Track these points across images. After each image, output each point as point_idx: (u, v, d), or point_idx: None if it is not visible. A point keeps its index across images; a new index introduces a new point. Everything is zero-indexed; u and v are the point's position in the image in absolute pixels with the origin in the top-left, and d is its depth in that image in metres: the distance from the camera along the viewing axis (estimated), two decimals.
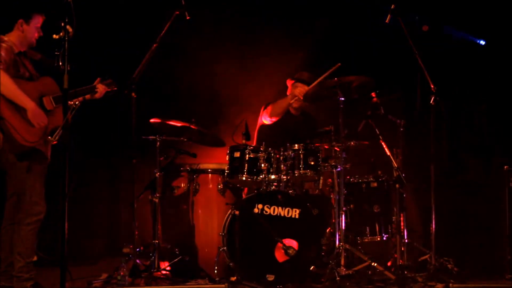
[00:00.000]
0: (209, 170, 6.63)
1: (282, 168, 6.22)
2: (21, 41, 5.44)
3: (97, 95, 5.81)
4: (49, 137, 5.23)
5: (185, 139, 6.63)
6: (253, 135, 7.07)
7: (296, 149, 6.23)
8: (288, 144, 6.28)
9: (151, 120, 6.49)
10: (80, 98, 5.63)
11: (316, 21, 7.93)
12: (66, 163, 4.40)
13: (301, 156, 6.20)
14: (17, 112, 5.24)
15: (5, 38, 5.39)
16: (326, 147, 6.53)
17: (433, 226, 5.99)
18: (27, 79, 5.42)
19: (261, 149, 6.24)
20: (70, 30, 4.48)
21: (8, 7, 5.58)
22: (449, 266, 6.18)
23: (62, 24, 4.48)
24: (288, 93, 7.17)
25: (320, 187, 6.46)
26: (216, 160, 6.94)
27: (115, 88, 5.96)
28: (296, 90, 7.05)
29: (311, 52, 7.83)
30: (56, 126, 5.38)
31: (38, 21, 5.43)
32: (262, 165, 6.18)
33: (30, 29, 5.43)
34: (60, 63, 4.49)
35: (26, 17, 5.41)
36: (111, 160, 7.84)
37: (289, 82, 7.22)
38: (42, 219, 5.40)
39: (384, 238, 6.46)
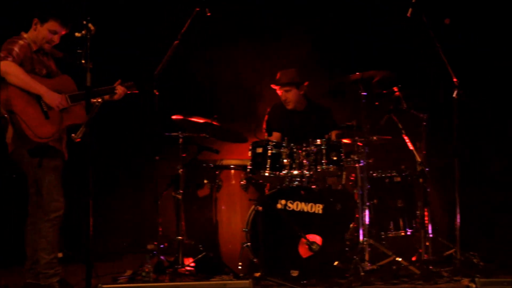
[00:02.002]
0: (232, 166, 6.61)
1: (304, 164, 6.19)
2: (34, 40, 5.47)
3: (116, 97, 5.79)
4: (73, 134, 5.19)
5: (207, 136, 6.62)
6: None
7: (318, 144, 6.19)
8: (310, 139, 6.24)
9: (173, 117, 6.49)
10: (99, 99, 5.64)
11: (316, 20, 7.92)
12: (89, 160, 4.42)
13: (324, 151, 6.16)
14: (30, 107, 5.26)
15: (25, 36, 5.45)
16: (349, 142, 6.51)
17: (458, 220, 5.94)
18: (43, 77, 5.44)
19: (284, 144, 6.20)
20: (92, 28, 4.49)
21: (31, 5, 5.60)
22: (474, 260, 6.13)
23: (84, 22, 4.49)
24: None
25: (343, 182, 6.44)
26: (238, 156, 6.90)
27: (136, 91, 5.94)
28: (282, 96, 7.02)
29: (311, 51, 7.79)
30: (72, 124, 5.41)
31: (53, 25, 5.42)
32: (285, 160, 6.16)
33: (43, 31, 5.44)
34: (83, 61, 4.50)
35: (42, 18, 5.44)
36: (134, 157, 7.86)
37: (273, 86, 7.10)
38: (62, 215, 5.42)
39: (408, 233, 6.40)
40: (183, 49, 6.29)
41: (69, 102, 5.43)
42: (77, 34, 4.55)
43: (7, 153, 5.42)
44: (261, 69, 7.80)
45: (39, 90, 5.29)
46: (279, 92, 7.07)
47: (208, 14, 6.17)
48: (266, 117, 7.18)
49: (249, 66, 7.85)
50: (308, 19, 7.91)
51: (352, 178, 6.59)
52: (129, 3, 7.70)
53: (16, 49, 5.30)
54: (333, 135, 6.80)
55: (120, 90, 5.78)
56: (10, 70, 5.20)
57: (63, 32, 5.50)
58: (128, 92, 5.89)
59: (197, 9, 6.19)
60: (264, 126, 7.08)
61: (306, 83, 7.03)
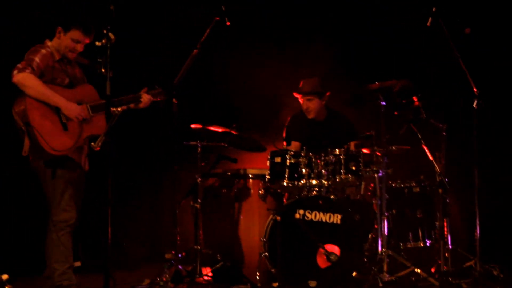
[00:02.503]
0: (250, 175, 6.61)
1: (323, 173, 6.16)
2: (58, 49, 5.45)
3: (141, 105, 5.71)
4: (92, 143, 4.99)
5: (226, 145, 6.63)
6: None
7: (337, 154, 6.17)
8: (329, 149, 6.21)
9: (192, 126, 6.51)
10: (120, 108, 5.52)
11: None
12: (109, 169, 4.41)
13: (343, 161, 6.13)
14: (48, 119, 5.22)
15: (49, 44, 5.44)
16: (367, 151, 6.47)
17: (478, 232, 5.89)
18: (65, 86, 5.42)
19: (302, 154, 6.17)
20: (113, 37, 4.48)
21: (57, 13, 5.63)
22: (494, 272, 6.06)
23: (104, 31, 4.49)
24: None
25: (362, 192, 6.42)
26: (257, 165, 6.91)
27: (164, 98, 5.86)
28: (303, 105, 7.05)
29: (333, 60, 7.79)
30: (92, 135, 5.36)
31: (75, 34, 5.37)
32: (303, 170, 6.14)
33: (66, 40, 5.41)
34: (103, 70, 4.50)
35: (65, 27, 5.40)
36: (152, 166, 7.88)
37: (296, 95, 7.12)
38: (72, 225, 5.37)
39: (428, 244, 6.37)
40: (203, 58, 6.30)
41: (90, 113, 5.39)
42: (97, 43, 4.54)
43: (28, 163, 5.41)
44: (281, 78, 7.78)
45: (58, 102, 5.25)
46: (301, 100, 7.08)
47: (228, 23, 6.17)
48: (286, 127, 7.17)
49: (268, 75, 7.82)
50: (329, 29, 7.91)
51: (370, 188, 6.56)
52: (148, 13, 7.73)
53: (36, 59, 5.28)
54: (352, 145, 6.80)
55: (145, 98, 5.70)
56: (27, 82, 5.17)
57: (87, 41, 5.45)
58: (156, 99, 5.79)
59: (217, 18, 6.19)
60: (284, 135, 7.06)
61: (328, 93, 7.03)
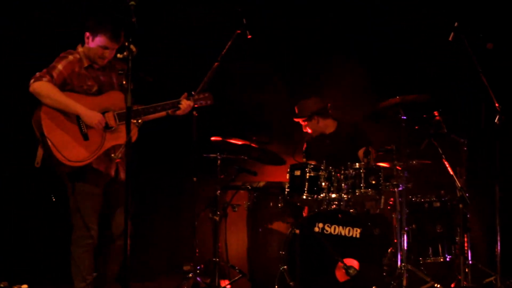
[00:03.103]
0: (270, 188, 6.61)
1: (343, 187, 6.15)
2: (88, 55, 5.27)
3: (179, 112, 5.44)
4: (112, 154, 5.06)
5: (246, 157, 6.66)
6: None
7: (357, 168, 6.15)
8: (348, 163, 6.20)
9: (212, 138, 6.56)
10: (163, 113, 5.37)
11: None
12: (128, 180, 4.37)
13: (362, 175, 6.11)
14: (66, 128, 5.06)
15: (80, 49, 5.28)
16: (387, 166, 6.45)
17: (499, 247, 5.83)
18: (92, 94, 5.22)
19: (322, 167, 6.17)
20: (134, 49, 4.42)
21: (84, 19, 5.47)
22: None
23: (126, 43, 4.44)
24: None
25: (382, 207, 6.34)
26: (276, 178, 6.93)
27: (212, 102, 5.59)
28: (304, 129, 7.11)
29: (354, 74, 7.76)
30: (117, 144, 5.16)
31: (102, 40, 5.17)
32: (323, 183, 6.13)
33: (94, 46, 5.22)
34: (124, 82, 4.46)
35: (92, 33, 5.22)
36: (172, 178, 7.86)
37: (296, 120, 7.17)
38: (91, 244, 5.16)
39: (447, 259, 6.30)
40: (223, 70, 6.31)
41: (116, 121, 5.16)
42: (119, 56, 4.46)
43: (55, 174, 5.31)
44: (302, 91, 7.69)
45: (76, 110, 5.06)
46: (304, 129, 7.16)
47: (249, 36, 6.16)
48: (304, 145, 7.17)
49: (289, 87, 7.83)
50: (350, 43, 7.88)
51: (390, 203, 6.51)
52: (169, 25, 7.75)
53: (59, 66, 5.13)
54: (360, 152, 6.68)
55: (185, 104, 5.42)
56: (43, 91, 5.03)
57: (115, 47, 5.24)
58: (201, 105, 5.53)
59: (238, 31, 6.19)
60: (303, 153, 6.99)
61: (315, 117, 6.97)
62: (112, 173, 5.26)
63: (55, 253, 6.70)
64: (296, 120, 7.12)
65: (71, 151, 5.04)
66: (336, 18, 7.86)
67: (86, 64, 5.28)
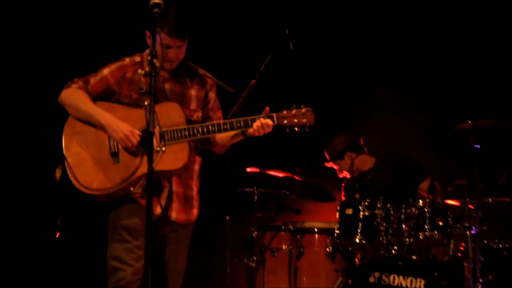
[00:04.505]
0: (316, 229, 6.50)
1: (403, 229, 6.00)
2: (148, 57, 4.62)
3: (251, 132, 4.78)
4: (132, 188, 4.41)
5: (288, 192, 6.59)
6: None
7: (421, 206, 5.98)
8: (411, 200, 6.05)
9: (248, 169, 6.43)
10: (229, 133, 4.78)
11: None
12: (149, 219, 4.21)
13: (427, 214, 5.95)
14: (91, 147, 4.63)
15: (146, 52, 4.83)
16: (458, 204, 6.24)
17: None
18: (142, 105, 4.35)
19: (379, 205, 6.03)
20: (158, 64, 4.32)
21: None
22: None
23: (149, 58, 4.36)
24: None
25: (451, 253, 6.20)
26: (324, 218, 6.86)
27: (312, 122, 4.82)
28: (339, 173, 7.10)
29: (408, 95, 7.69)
30: (159, 170, 4.42)
31: (163, 38, 4.60)
32: (380, 224, 6.00)
33: (156, 46, 4.49)
34: (146, 102, 4.33)
35: (151, 31, 4.51)
36: (201, 215, 7.79)
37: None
38: (123, 285, 4.68)
39: None
40: (261, 89, 6.17)
41: (161, 141, 4.62)
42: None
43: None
44: (349, 119, 7.67)
45: (99, 119, 4.61)
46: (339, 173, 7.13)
47: (292, 48, 6.02)
48: (342, 186, 7.15)
49: (338, 112, 7.72)
50: (402, 68, 7.83)
51: (462, 248, 6.27)
52: (202, 40, 7.73)
53: (105, 71, 4.73)
54: (425, 185, 6.62)
55: (259, 123, 4.74)
56: (66, 100, 4.68)
57: (180, 44, 4.72)
58: (293, 124, 4.82)
59: (278, 42, 6.08)
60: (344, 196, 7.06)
61: (348, 153, 6.98)
62: (158, 209, 4.69)
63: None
64: (328, 165, 7.06)
65: (91, 175, 4.61)
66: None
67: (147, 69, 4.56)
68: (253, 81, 5.91)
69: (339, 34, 7.88)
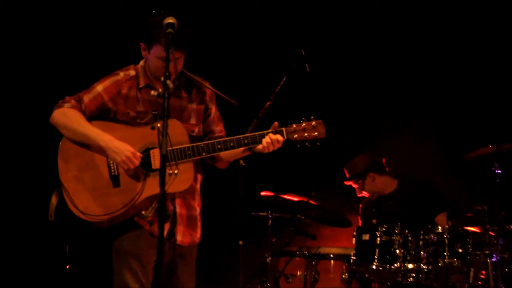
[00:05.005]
0: (332, 255, 6.51)
1: (422, 256, 5.98)
2: (147, 72, 4.59)
3: (259, 147, 4.54)
4: (143, 211, 4.40)
5: (303, 217, 6.58)
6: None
7: (440, 232, 5.95)
8: (429, 226, 6.01)
9: (262, 193, 6.48)
10: (237, 151, 4.57)
11: None
12: (160, 246, 4.17)
13: (447, 241, 5.92)
14: (89, 170, 4.46)
15: (140, 64, 4.62)
16: (478, 230, 6.22)
17: None
18: (144, 123, 4.51)
19: (396, 231, 5.99)
20: (171, 85, 4.21)
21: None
22: None
23: (162, 78, 4.25)
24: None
25: (471, 281, 6.15)
26: (340, 243, 6.89)
27: (323, 135, 4.54)
28: (358, 191, 7.10)
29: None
30: (156, 194, 4.26)
31: (159, 50, 4.43)
32: (397, 251, 5.97)
33: (151, 59, 4.52)
34: (159, 125, 4.22)
35: (147, 40, 4.51)
36: (213, 240, 7.77)
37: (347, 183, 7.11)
38: None
39: None
40: (275, 111, 6.18)
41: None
42: (153, 93, 4.26)
43: None
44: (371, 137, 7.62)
45: (97, 140, 4.41)
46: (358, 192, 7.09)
47: (308, 70, 6.02)
48: (360, 210, 7.13)
49: (354, 138, 7.72)
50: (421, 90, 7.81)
51: (482, 276, 6.27)
52: (217, 60, 7.76)
53: (98, 87, 4.52)
54: (440, 219, 6.67)
55: (268, 139, 4.50)
56: (60, 121, 4.48)
57: (178, 56, 4.45)
58: (304, 138, 4.53)
59: (294, 64, 6.08)
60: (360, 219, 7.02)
61: (370, 174, 6.97)
62: (177, 235, 4.59)
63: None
64: (348, 183, 7.03)
65: (90, 200, 4.44)
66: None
67: (143, 84, 4.54)
68: (268, 103, 5.87)
69: (360, 54, 7.86)
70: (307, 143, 4.53)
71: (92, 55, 7.29)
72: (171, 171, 4.37)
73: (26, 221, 7.15)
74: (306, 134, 4.49)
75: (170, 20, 4.03)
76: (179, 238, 4.55)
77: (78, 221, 4.49)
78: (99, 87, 4.53)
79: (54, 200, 4.48)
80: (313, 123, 4.50)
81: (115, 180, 4.44)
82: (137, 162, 4.38)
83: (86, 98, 4.51)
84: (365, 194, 7.03)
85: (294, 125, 4.50)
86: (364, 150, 7.11)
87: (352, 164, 7.05)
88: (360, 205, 7.17)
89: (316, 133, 4.49)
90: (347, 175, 7.04)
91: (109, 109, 4.51)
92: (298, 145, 4.53)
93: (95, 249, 6.08)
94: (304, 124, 4.49)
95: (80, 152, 4.46)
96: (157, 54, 4.43)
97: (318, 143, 4.52)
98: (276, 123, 4.52)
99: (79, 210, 4.40)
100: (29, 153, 7.14)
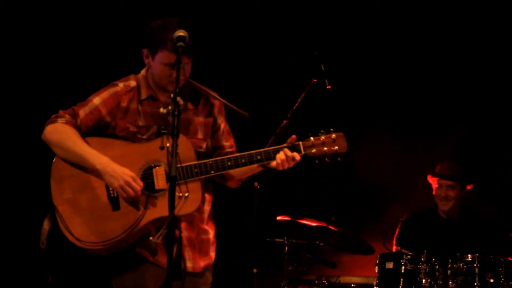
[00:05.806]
0: (353, 285, 6.54)
1: (450, 286, 5.98)
2: (151, 81, 4.41)
3: (273, 164, 4.30)
4: (151, 237, 4.13)
5: (322, 243, 6.55)
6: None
7: (469, 261, 5.94)
8: (458, 254, 5.98)
9: (278, 218, 6.47)
10: (249, 168, 4.31)
11: None
12: (169, 273, 4.12)
13: (477, 270, 5.93)
14: (85, 193, 4.24)
15: (141, 74, 4.44)
16: (511, 259, 6.13)
17: None
18: (146, 139, 4.32)
19: (422, 259, 5.98)
20: (181, 102, 4.14)
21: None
22: None
23: (172, 95, 4.19)
24: (434, 193, 6.84)
25: None
26: (361, 272, 6.89)
27: (339, 150, 4.30)
28: (441, 192, 6.76)
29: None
30: (164, 216, 4.02)
31: (165, 55, 4.26)
32: (423, 280, 5.97)
33: (155, 66, 4.31)
34: (168, 144, 4.16)
35: (151, 46, 4.30)
36: (226, 268, 7.77)
37: (430, 179, 6.87)
38: None
39: None
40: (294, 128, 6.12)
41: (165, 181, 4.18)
42: (162, 110, 4.19)
43: None
44: (395, 165, 7.52)
45: (93, 163, 4.18)
46: (436, 185, 6.80)
47: (328, 87, 5.97)
48: (398, 228, 6.94)
49: (379, 160, 7.59)
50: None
51: None
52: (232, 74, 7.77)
53: (95, 100, 4.31)
54: None
55: (282, 155, 4.25)
56: (52, 139, 4.27)
57: (185, 62, 4.15)
58: (322, 154, 4.30)
59: (314, 80, 6.04)
60: (395, 240, 6.84)
61: (470, 187, 6.80)
62: (159, 260, 4.33)
63: None
64: (433, 180, 6.85)
65: (87, 226, 4.22)
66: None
67: (145, 95, 4.33)
68: (284, 121, 5.82)
69: (360, 53, 7.85)
70: (326, 159, 4.28)
71: (87, 64, 7.17)
72: (180, 194, 4.11)
73: (14, 248, 7.06)
74: (325, 148, 4.25)
75: (181, 33, 3.89)
76: (189, 265, 4.30)
77: (73, 248, 4.22)
78: (96, 100, 4.28)
79: (46, 225, 4.24)
80: (333, 136, 4.26)
81: (114, 202, 4.18)
82: (138, 188, 4.11)
83: (82, 112, 4.26)
84: (451, 195, 6.86)
85: (312, 139, 4.25)
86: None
87: (454, 167, 6.93)
88: (405, 215, 6.99)
89: (336, 147, 4.26)
90: (447, 172, 6.88)
91: (107, 123, 4.27)
92: (317, 161, 4.27)
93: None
94: (323, 137, 4.25)
95: (74, 172, 4.20)
96: (163, 60, 4.19)
97: (339, 159, 4.26)
98: (294, 136, 4.26)
99: (74, 237, 4.14)
100: (19, 173, 6.94)
